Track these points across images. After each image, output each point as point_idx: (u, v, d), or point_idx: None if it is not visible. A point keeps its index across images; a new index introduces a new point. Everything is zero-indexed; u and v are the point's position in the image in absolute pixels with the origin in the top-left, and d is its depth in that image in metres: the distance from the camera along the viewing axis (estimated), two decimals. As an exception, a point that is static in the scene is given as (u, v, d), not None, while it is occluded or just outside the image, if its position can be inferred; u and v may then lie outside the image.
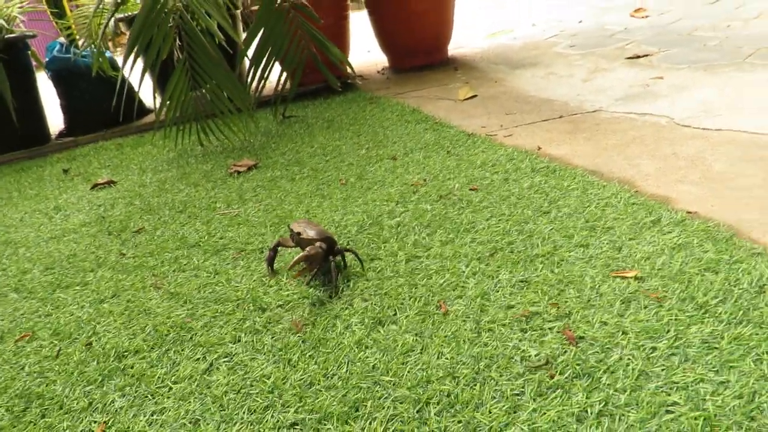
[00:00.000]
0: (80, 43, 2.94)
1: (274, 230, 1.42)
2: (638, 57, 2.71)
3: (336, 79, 2.52)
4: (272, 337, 0.98)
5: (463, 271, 1.08)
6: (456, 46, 3.91)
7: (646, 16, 3.81)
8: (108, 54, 2.98)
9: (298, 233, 1.13)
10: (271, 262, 1.20)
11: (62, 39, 3.12)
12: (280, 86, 2.54)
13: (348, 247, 1.19)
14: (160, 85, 3.21)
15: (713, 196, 1.25)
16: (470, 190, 1.47)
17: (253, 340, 0.98)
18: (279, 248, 1.22)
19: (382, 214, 1.41)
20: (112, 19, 2.84)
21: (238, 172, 1.96)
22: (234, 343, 0.98)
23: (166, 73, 2.17)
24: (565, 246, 1.11)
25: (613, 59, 2.79)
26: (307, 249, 1.07)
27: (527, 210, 1.29)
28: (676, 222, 1.13)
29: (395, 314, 0.99)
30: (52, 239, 1.62)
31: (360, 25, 3.76)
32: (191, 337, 1.02)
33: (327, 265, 1.09)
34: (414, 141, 1.98)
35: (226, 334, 1.01)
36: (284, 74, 2.53)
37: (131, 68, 2.16)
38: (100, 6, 2.48)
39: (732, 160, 1.44)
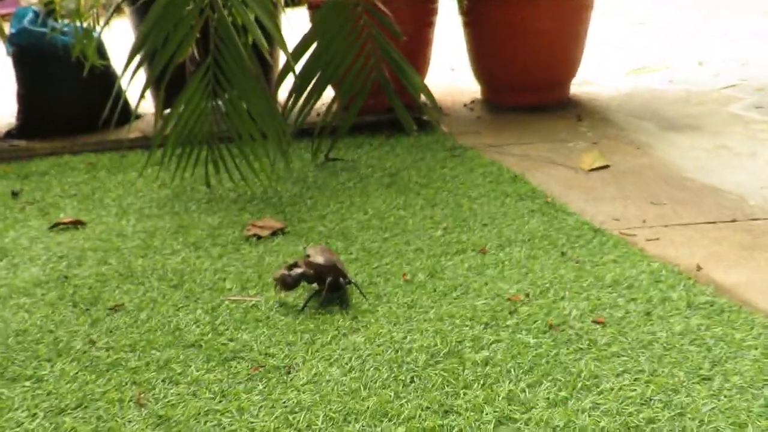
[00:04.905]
0: (62, 16, 3.17)
1: (311, 338, 1.48)
2: None
3: (411, 120, 2.63)
4: None
5: (580, 457, 1.12)
6: (581, 82, 4.01)
7: None
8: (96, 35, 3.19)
9: (308, 255, 1.62)
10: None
11: (37, 7, 3.37)
12: (330, 114, 2.67)
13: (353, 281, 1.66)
14: (158, 85, 3.41)
15: None
16: (593, 322, 1.51)
17: None
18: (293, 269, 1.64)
19: (463, 340, 1.46)
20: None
21: (258, 237, 2.06)
22: None
23: (170, 72, 2.34)
24: (733, 440, 1.13)
25: (817, 139, 2.82)
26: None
27: (678, 370, 1.32)
28: None
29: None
30: (-5, 299, 1.74)
31: (443, 30, 3.89)
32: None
33: (330, 296, 1.61)
34: (513, 228, 2.05)
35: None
36: (338, 100, 2.67)
37: (136, 67, 2.34)
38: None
39: None
